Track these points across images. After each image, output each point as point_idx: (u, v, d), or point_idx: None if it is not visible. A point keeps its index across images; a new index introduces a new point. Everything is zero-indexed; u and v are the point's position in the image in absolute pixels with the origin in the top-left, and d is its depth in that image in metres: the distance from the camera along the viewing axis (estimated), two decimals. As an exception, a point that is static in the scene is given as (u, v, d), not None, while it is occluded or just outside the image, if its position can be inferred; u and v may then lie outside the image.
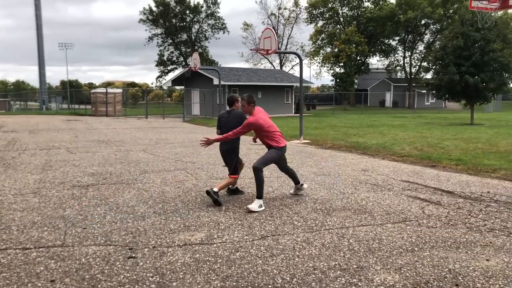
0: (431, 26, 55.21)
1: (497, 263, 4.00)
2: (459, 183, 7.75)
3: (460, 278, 3.67)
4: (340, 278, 3.68)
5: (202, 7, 61.16)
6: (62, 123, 25.45)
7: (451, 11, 50.44)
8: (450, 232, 4.90)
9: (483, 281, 3.61)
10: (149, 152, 11.83)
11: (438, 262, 4.01)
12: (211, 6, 61.53)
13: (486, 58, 22.63)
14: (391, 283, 3.57)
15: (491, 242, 4.56)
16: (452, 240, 4.65)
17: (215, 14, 61.98)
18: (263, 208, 5.94)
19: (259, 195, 6.03)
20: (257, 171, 6.05)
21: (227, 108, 6.84)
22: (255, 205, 5.92)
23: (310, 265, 3.98)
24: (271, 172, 8.80)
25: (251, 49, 18.29)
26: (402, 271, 3.82)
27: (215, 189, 6.16)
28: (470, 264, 3.97)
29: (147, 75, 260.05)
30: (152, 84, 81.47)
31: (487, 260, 4.07)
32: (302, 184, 6.85)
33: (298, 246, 4.49)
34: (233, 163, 6.52)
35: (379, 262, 4.03)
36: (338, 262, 4.04)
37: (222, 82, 30.18)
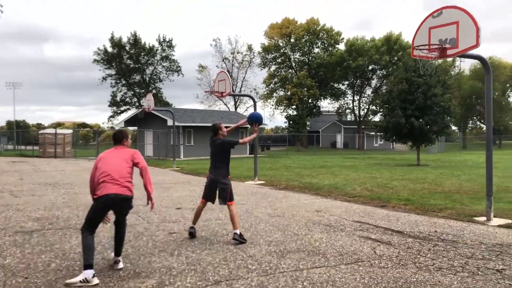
0: (378, 72, 58.19)
1: (445, 301, 4.10)
2: (408, 222, 7.99)
3: (411, 318, 3.73)
4: (295, 323, 3.63)
5: (157, 49, 61.52)
6: (7, 165, 24.24)
7: (396, 58, 53.51)
8: (401, 272, 5.00)
9: (433, 320, 3.69)
10: (99, 195, 11.43)
11: (390, 303, 4.06)
12: (166, 49, 62.02)
13: (429, 102, 23.96)
14: (345, 326, 3.56)
15: (439, 281, 4.69)
16: (403, 280, 4.74)
17: (169, 56, 62.43)
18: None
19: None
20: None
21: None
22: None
23: (265, 310, 3.92)
24: (225, 214, 8.72)
25: (205, 91, 18.49)
26: (356, 313, 3.83)
27: (237, 232, 6.35)
28: (421, 303, 4.05)
29: (99, 116, 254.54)
30: (103, 124, 79.62)
31: (436, 299, 4.17)
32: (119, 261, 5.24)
33: (252, 290, 4.42)
34: (228, 190, 6.48)
35: (333, 305, 4.03)
36: (292, 306, 3.99)
37: (177, 123, 30.04)
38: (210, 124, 34.19)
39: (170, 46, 62.09)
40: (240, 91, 58.35)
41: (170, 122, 29.88)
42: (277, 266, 5.25)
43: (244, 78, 60.20)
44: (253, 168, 16.00)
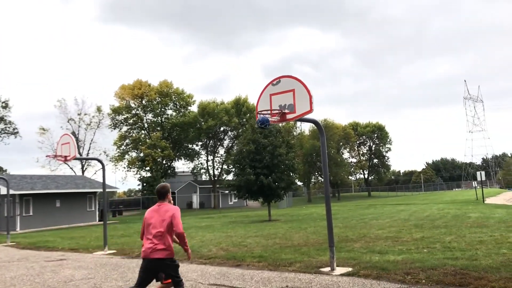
0: (229, 133, 60.99)
1: None
2: (262, 280, 8.17)
3: None
4: None
5: (-12, 111, 55.36)
6: None
7: (244, 119, 56.92)
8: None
9: None
10: None
11: None
12: (1, 109, 56.15)
13: (275, 161, 25.75)
14: None
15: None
16: None
17: (5, 118, 56.51)
18: None
19: None
20: None
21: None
22: None
23: None
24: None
25: (47, 156, 16.97)
26: None
27: None
28: None
29: None
30: None
31: None
32: None
33: None
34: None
35: None
36: None
37: (12, 191, 26.81)
38: (53, 191, 31.25)
39: (6, 106, 56.46)
40: (88, 154, 55.14)
41: (3, 191, 26.52)
42: None
43: (92, 140, 57.22)
44: (103, 237, 14.89)
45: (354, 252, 10.74)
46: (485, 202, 33.97)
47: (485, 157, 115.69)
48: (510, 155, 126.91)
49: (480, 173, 36.42)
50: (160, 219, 5.37)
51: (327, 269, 8.81)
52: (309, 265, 9.44)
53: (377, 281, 7.46)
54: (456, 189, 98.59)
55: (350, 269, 8.63)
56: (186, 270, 9.80)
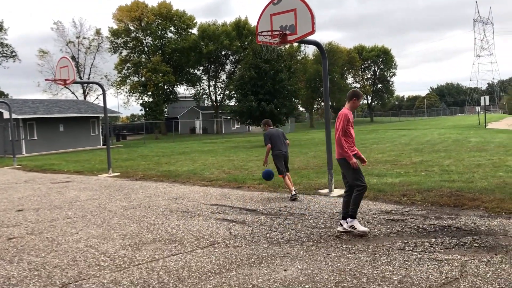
0: (231, 57, 59.76)
1: (292, 271, 4.41)
2: (261, 200, 8.41)
3: (262, 291, 3.92)
4: (149, 316, 3.54)
5: (-17, 33, 53.93)
6: None
7: (246, 43, 55.42)
8: (254, 249, 5.23)
9: (282, 290, 3.93)
10: None
11: (244, 280, 4.22)
12: (-4, 32, 54.72)
13: (277, 86, 25.47)
14: (200, 310, 3.59)
15: (288, 253, 5.02)
16: (256, 256, 4.96)
17: (1, 41, 55.25)
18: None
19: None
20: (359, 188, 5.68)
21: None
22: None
23: (117, 307, 3.74)
24: (75, 212, 8.13)
25: (46, 79, 16.76)
26: (211, 295, 3.89)
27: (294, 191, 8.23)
28: (271, 276, 4.29)
29: None
30: None
31: (285, 270, 4.46)
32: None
33: (104, 289, 4.19)
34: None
35: (188, 291, 4.03)
36: (147, 299, 3.89)
37: (15, 116, 26.93)
38: (56, 115, 31.27)
39: (1, 28, 54.98)
40: (88, 79, 54.63)
41: (6, 115, 26.65)
42: (131, 259, 5.07)
43: (92, 64, 56.36)
44: (107, 160, 15.17)
45: (353, 175, 10.93)
46: (487, 127, 34.05)
47: (490, 82, 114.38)
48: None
49: (484, 98, 36.11)
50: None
51: (325, 190, 9.02)
52: (308, 187, 9.66)
53: (373, 202, 7.66)
54: (459, 114, 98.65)
55: (347, 190, 8.81)
56: (189, 191, 10.07)
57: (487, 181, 8.87)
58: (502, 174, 9.67)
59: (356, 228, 5.57)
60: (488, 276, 4.04)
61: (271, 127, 8.87)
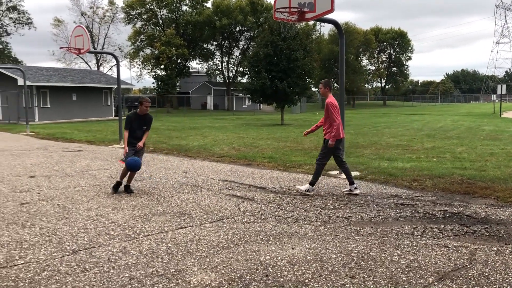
0: (245, 33, 59.08)
1: (300, 250, 4.43)
2: (271, 179, 8.41)
3: (270, 268, 3.95)
4: (157, 285, 3.59)
5: (1, -2, 53.88)
6: None
7: (261, 19, 54.67)
8: (262, 226, 5.26)
9: (289, 268, 3.96)
10: None
11: (251, 256, 4.25)
12: (12, -3, 54.62)
13: (292, 65, 25.22)
14: (207, 283, 3.64)
15: (296, 232, 5.04)
16: (264, 233, 4.99)
17: (18, 7, 55.20)
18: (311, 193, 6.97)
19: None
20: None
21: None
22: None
23: (126, 275, 3.80)
24: (86, 180, 8.21)
25: (60, 48, 16.79)
26: (218, 269, 3.93)
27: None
28: (279, 254, 4.31)
29: None
30: None
31: (292, 248, 4.47)
32: (356, 188, 7.03)
33: (113, 257, 4.25)
34: None
35: (196, 263, 4.07)
36: (155, 269, 3.94)
37: (29, 83, 27.08)
38: (69, 84, 31.47)
39: (18, -6, 54.89)
40: (102, 49, 54.56)
41: (20, 82, 26.81)
42: (141, 230, 5.12)
43: (106, 35, 56.30)
44: (118, 131, 15.24)
45: (364, 158, 10.88)
46: (502, 116, 33.55)
47: (509, 70, 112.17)
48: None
49: (501, 86, 35.45)
50: None
51: (335, 172, 8.99)
52: (318, 167, 9.61)
53: (383, 186, 7.63)
54: (474, 102, 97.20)
55: (358, 173, 8.79)
56: (198, 166, 10.11)
57: (500, 170, 8.77)
58: (516, 164, 9.55)
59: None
60: (497, 265, 4.02)
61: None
